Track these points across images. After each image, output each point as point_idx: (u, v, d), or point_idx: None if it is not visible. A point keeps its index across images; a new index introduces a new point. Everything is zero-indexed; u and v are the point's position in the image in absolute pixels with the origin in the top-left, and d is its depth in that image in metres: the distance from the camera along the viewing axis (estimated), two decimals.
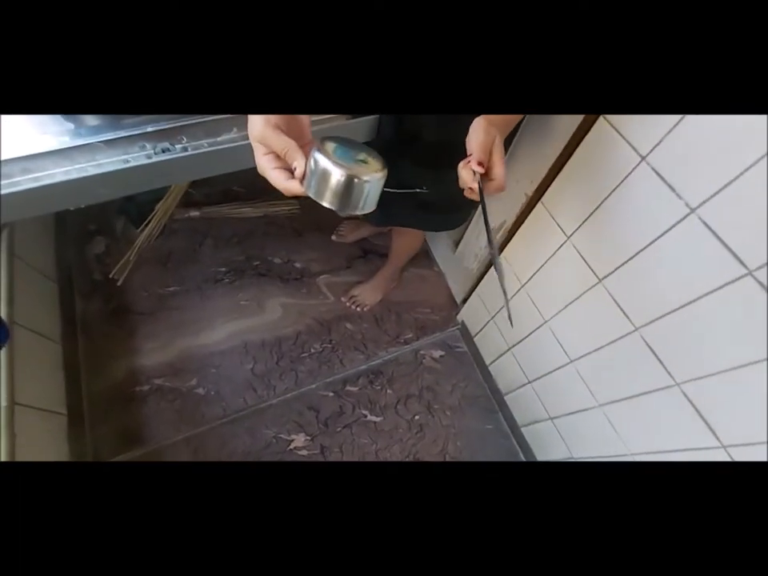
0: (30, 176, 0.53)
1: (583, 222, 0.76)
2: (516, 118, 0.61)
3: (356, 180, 0.44)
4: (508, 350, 1.15)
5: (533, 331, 1.01)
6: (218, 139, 0.59)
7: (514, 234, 0.97)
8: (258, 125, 0.44)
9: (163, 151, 0.56)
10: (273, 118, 0.44)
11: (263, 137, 0.44)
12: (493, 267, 0.52)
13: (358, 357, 1.30)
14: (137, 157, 0.56)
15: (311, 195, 0.45)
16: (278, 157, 0.45)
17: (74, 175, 0.54)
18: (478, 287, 1.21)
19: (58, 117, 0.57)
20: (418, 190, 0.78)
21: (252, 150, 0.47)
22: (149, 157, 0.56)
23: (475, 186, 0.50)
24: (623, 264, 0.71)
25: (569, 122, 0.73)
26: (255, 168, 0.47)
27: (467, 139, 0.51)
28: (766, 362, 0.55)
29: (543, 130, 0.80)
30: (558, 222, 0.82)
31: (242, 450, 1.15)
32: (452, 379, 1.33)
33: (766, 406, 0.57)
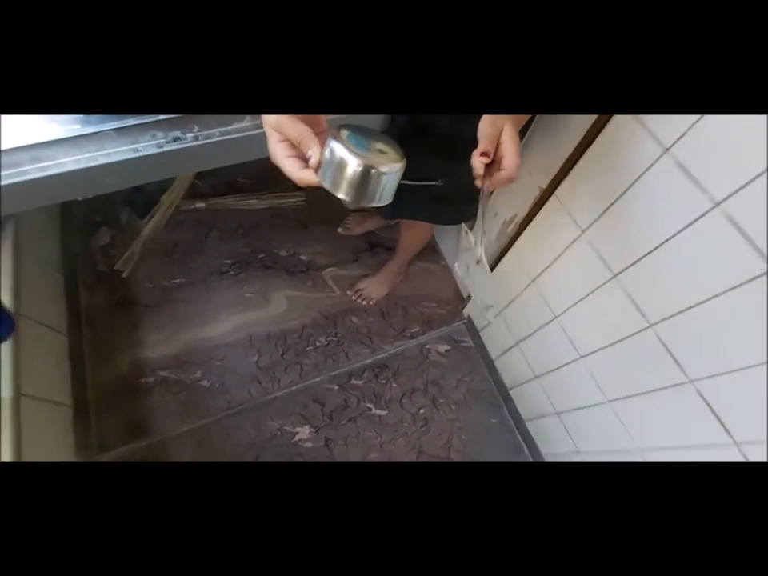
0: (40, 165, 0.51)
1: (599, 216, 0.75)
2: None
3: (373, 171, 0.42)
4: (515, 344, 1.15)
5: (542, 326, 1.00)
6: (230, 128, 0.57)
7: (525, 228, 0.96)
8: None
9: (174, 140, 0.55)
10: None
11: (278, 123, 0.43)
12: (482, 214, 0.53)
13: (363, 350, 1.30)
14: (147, 146, 0.55)
15: (326, 186, 0.43)
16: (292, 145, 0.44)
17: (84, 164, 0.53)
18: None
19: None
20: (434, 183, 0.77)
21: (265, 139, 0.45)
22: (159, 146, 0.55)
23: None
24: (639, 259, 0.70)
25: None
26: (261, 159, 0.46)
27: (478, 130, 0.51)
28: None
29: (559, 121, 0.78)
30: (573, 215, 0.81)
31: (247, 441, 1.15)
32: (457, 373, 1.33)
33: None
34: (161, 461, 1.10)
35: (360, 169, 0.42)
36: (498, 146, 0.50)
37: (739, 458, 0.65)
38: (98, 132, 0.54)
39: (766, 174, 0.50)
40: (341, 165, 0.42)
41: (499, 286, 1.15)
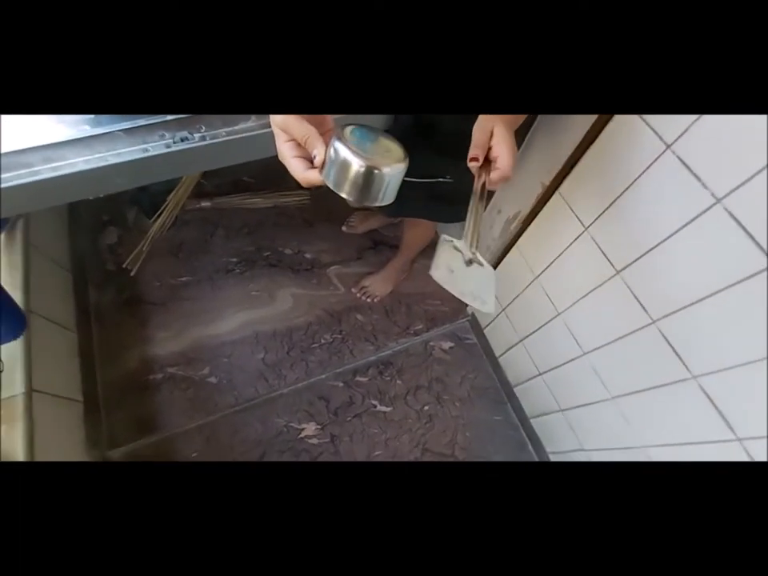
0: (51, 165, 0.53)
1: (602, 213, 0.75)
2: None
3: (376, 171, 0.42)
4: (519, 341, 1.15)
5: (545, 323, 1.01)
6: (236, 128, 0.58)
7: (528, 225, 0.96)
8: None
9: (182, 140, 0.56)
10: None
11: (284, 123, 0.44)
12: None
13: (367, 348, 1.31)
14: (156, 146, 0.56)
15: (330, 185, 0.44)
16: (298, 145, 0.44)
17: (94, 164, 0.54)
18: None
19: None
20: (441, 180, 0.77)
21: (271, 138, 0.46)
22: (168, 146, 0.56)
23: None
24: (643, 255, 0.70)
25: None
26: (266, 158, 0.46)
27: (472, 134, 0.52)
28: None
29: (562, 119, 0.79)
30: (576, 212, 0.81)
31: (254, 438, 1.16)
32: (461, 370, 1.33)
33: None
34: (169, 457, 1.11)
35: (362, 169, 0.42)
36: (491, 147, 0.50)
37: (742, 454, 0.65)
38: (108, 132, 0.56)
39: (766, 171, 0.50)
40: (344, 165, 0.42)
41: (501, 285, 1.16)
